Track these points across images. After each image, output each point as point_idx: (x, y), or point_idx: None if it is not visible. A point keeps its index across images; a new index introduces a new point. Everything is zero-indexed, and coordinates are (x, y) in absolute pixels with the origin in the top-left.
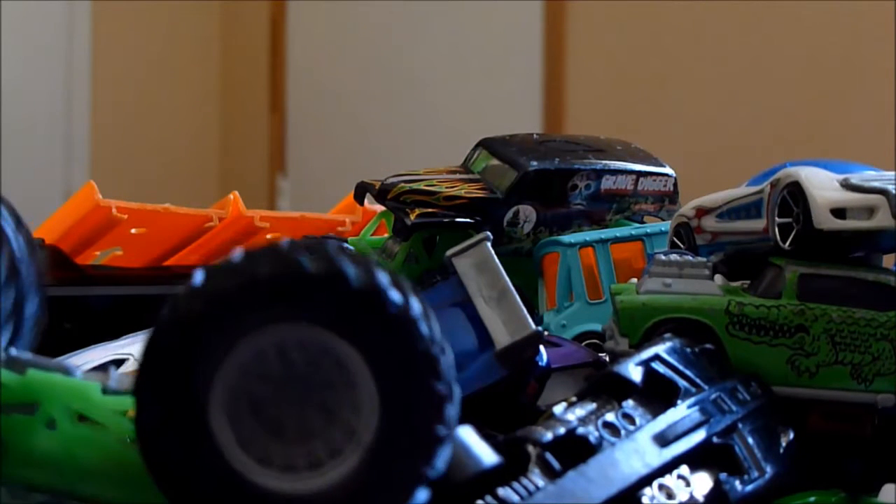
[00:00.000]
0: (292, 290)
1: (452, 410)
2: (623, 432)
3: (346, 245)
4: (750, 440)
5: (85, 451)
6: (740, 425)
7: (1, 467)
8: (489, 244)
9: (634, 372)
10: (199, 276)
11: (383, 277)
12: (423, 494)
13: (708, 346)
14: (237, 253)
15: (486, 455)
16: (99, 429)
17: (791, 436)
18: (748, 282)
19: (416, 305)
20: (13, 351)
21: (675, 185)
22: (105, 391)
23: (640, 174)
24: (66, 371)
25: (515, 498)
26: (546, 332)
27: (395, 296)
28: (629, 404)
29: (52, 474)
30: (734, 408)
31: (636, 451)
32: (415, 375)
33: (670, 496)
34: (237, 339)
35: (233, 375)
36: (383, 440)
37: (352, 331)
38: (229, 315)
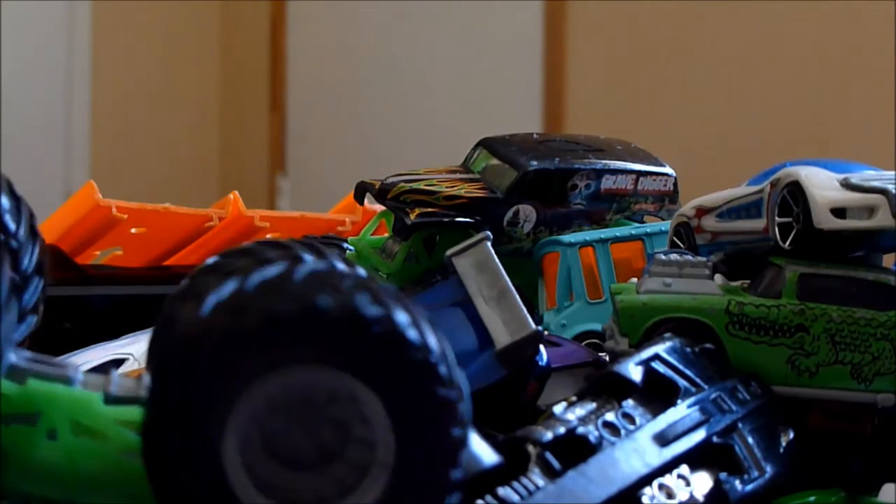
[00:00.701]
0: (311, 333)
1: (465, 408)
2: (623, 432)
3: (346, 246)
4: (750, 440)
5: (87, 461)
6: (740, 425)
7: (1, 478)
8: (489, 244)
9: (634, 371)
10: (206, 307)
11: (402, 316)
12: (455, 498)
13: (708, 345)
14: (236, 283)
15: (486, 455)
16: (101, 439)
17: (791, 435)
18: (748, 281)
19: (402, 316)
20: (13, 357)
21: (675, 184)
22: (107, 399)
23: (640, 174)
24: (68, 380)
25: (515, 497)
26: (546, 332)
27: (413, 335)
28: (629, 404)
29: (53, 485)
30: (734, 407)
31: (636, 450)
32: (420, 387)
33: (670, 496)
34: (245, 387)
35: (243, 422)
36: (404, 456)
37: (365, 370)
38: (239, 359)
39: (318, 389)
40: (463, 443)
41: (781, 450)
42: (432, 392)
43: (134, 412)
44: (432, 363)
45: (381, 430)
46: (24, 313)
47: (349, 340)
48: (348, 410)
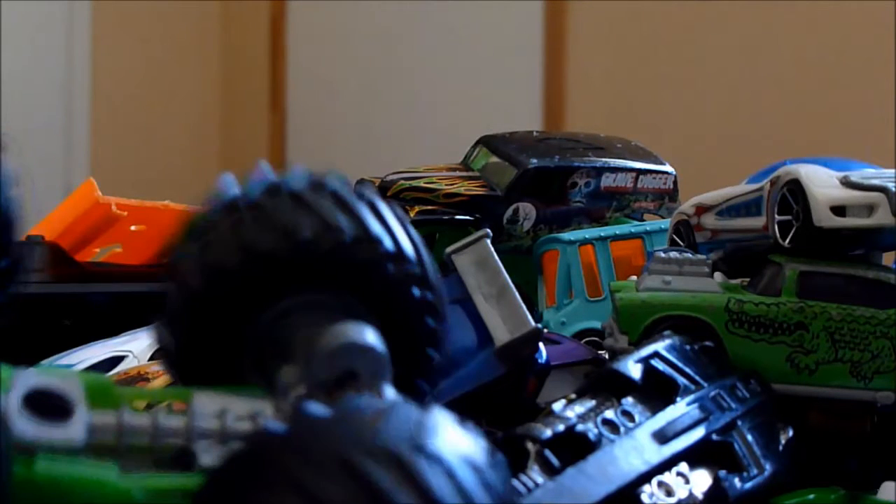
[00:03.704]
0: None
1: None
2: (622, 429)
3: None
4: (749, 437)
5: None
6: (739, 423)
7: None
8: (489, 241)
9: (634, 369)
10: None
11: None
12: None
13: (707, 343)
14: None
15: None
16: None
17: (790, 433)
18: (748, 279)
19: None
20: (21, 424)
21: (675, 182)
22: (121, 465)
23: (639, 172)
24: (75, 449)
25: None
26: (545, 330)
27: None
28: (628, 401)
29: None
30: (733, 405)
31: (635, 448)
32: None
33: (669, 493)
34: None
35: None
36: None
37: None
38: None
39: None
40: None
41: (781, 447)
42: None
43: (150, 481)
44: None
45: None
46: None
47: None
48: None
